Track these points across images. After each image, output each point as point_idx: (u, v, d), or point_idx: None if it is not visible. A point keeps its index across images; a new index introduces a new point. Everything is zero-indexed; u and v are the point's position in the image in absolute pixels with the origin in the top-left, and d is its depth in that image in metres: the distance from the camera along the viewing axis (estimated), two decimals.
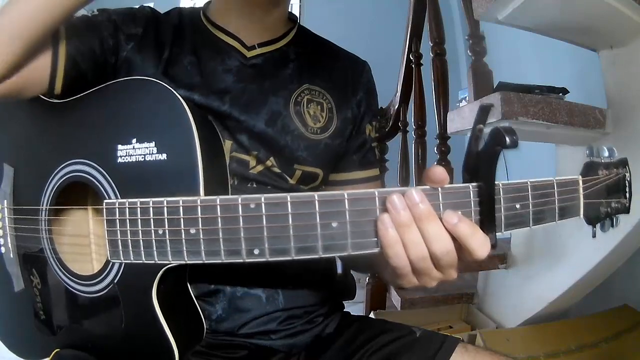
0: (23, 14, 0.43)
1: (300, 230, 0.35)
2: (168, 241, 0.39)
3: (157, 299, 0.42)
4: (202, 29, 0.61)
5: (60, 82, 0.51)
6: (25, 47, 0.44)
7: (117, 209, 0.41)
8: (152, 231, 0.39)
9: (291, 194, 0.36)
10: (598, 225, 0.42)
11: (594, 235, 0.42)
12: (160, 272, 0.41)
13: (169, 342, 0.42)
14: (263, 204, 0.36)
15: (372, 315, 1.48)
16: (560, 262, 1.20)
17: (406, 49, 1.69)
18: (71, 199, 0.51)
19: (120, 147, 0.43)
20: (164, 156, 0.41)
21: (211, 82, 0.57)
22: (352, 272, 0.82)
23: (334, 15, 2.89)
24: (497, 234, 0.36)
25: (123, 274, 0.43)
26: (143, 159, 0.42)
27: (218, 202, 0.36)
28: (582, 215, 0.40)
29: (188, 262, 0.39)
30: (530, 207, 0.37)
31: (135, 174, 0.42)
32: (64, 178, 0.48)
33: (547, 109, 0.97)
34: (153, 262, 0.40)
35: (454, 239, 0.35)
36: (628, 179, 0.41)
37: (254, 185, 0.58)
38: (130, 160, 0.43)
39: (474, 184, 0.36)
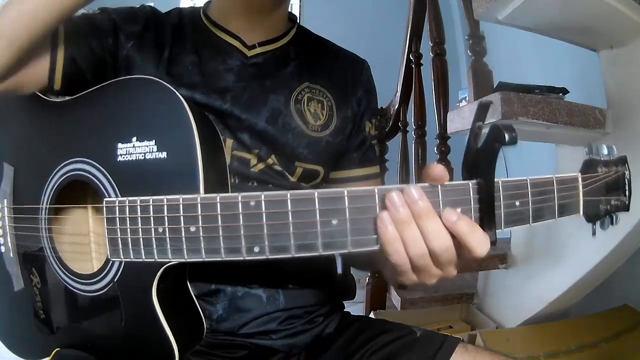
0: (22, 15, 0.43)
1: (300, 228, 0.36)
2: (168, 239, 0.39)
3: (157, 298, 0.42)
4: (203, 29, 0.61)
5: (59, 80, 0.51)
6: (24, 49, 0.44)
7: (117, 207, 0.41)
8: (152, 229, 0.39)
9: (291, 191, 0.36)
10: (598, 223, 0.42)
11: (593, 233, 0.42)
12: (160, 271, 0.41)
13: (169, 341, 0.42)
14: (263, 202, 0.36)
15: (372, 315, 1.48)
16: (560, 262, 1.20)
17: (406, 49, 1.69)
18: (71, 197, 0.51)
19: (120, 145, 0.43)
20: (164, 154, 0.41)
21: (212, 82, 0.57)
22: (352, 272, 0.82)
23: (334, 15, 2.89)
24: (497, 231, 0.36)
25: (123, 273, 0.43)
26: (143, 158, 0.42)
27: (218, 200, 0.36)
28: (581, 213, 0.40)
29: (188, 260, 0.39)
30: (530, 204, 0.37)
31: (135, 173, 0.43)
32: (64, 177, 0.48)
33: (547, 109, 0.97)
34: (153, 260, 0.40)
35: (453, 237, 0.35)
36: (627, 177, 0.41)
37: (255, 184, 0.58)
38: (130, 159, 0.43)
39: (473, 181, 0.36)
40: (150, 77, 0.44)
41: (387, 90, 1.81)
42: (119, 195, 0.43)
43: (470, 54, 1.21)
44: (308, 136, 0.60)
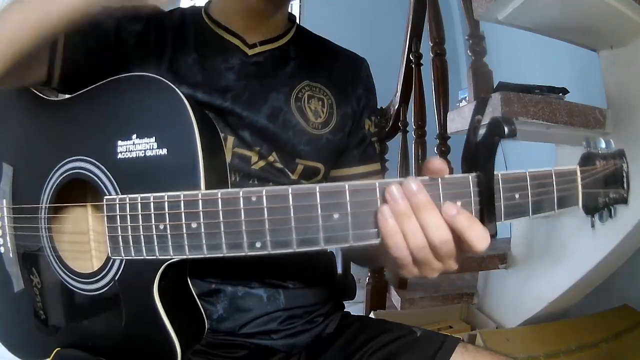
0: (23, 24, 0.43)
1: (301, 222, 0.36)
2: (169, 236, 0.39)
3: (159, 295, 0.42)
4: (204, 28, 0.61)
5: (57, 78, 0.51)
6: (22, 54, 0.44)
7: (117, 205, 0.41)
8: (153, 226, 0.39)
9: (292, 186, 0.36)
10: (596, 216, 0.42)
11: (592, 226, 0.42)
12: (162, 268, 0.41)
13: (171, 338, 0.42)
14: (264, 197, 0.36)
15: (372, 315, 1.48)
16: (560, 262, 1.20)
17: (406, 49, 1.69)
18: (71, 196, 0.51)
19: (120, 142, 0.43)
20: (164, 151, 0.41)
21: (213, 80, 0.58)
22: (352, 272, 0.82)
23: (334, 15, 2.89)
24: (497, 223, 0.36)
25: (124, 271, 0.43)
26: (143, 155, 0.42)
27: (219, 196, 0.37)
28: (580, 205, 0.40)
29: (189, 256, 0.39)
30: (529, 196, 0.37)
31: (135, 170, 0.42)
32: (64, 175, 0.48)
33: (547, 109, 0.97)
34: (154, 257, 0.40)
35: (453, 231, 0.35)
36: (626, 170, 0.42)
37: (255, 182, 0.58)
38: (130, 156, 0.43)
39: (473, 174, 0.36)
40: (150, 75, 0.44)
41: (387, 90, 1.81)
42: (119, 193, 0.43)
43: (470, 54, 1.21)
44: (309, 133, 0.61)
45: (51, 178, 0.49)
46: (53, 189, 0.49)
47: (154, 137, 0.42)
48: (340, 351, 0.59)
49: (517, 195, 0.37)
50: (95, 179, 0.45)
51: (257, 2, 0.59)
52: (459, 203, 0.35)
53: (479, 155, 0.36)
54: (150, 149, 0.42)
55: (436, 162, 0.35)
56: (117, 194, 0.43)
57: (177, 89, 0.42)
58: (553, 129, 1.00)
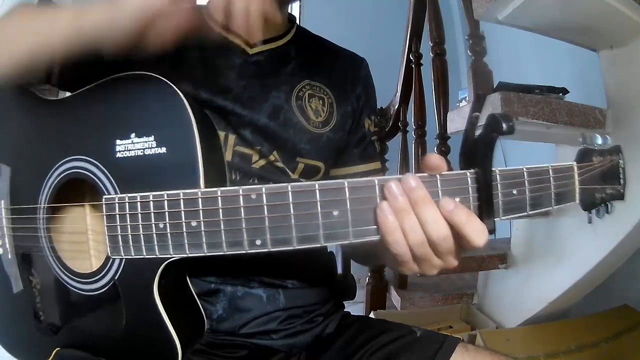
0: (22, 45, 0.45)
1: (301, 220, 0.36)
2: (169, 234, 0.39)
3: (159, 294, 0.41)
4: (206, 27, 0.61)
5: (57, 75, 0.52)
6: (21, 67, 0.46)
7: (116, 204, 0.41)
8: (153, 225, 0.39)
9: (292, 183, 0.36)
10: (594, 212, 0.42)
11: (589, 221, 0.42)
12: (162, 267, 0.41)
13: (172, 337, 0.42)
14: (264, 194, 0.36)
15: (372, 315, 1.48)
16: (560, 262, 1.20)
17: (406, 49, 1.69)
18: (69, 196, 0.50)
19: (119, 142, 0.43)
20: (163, 150, 0.41)
21: (215, 79, 0.58)
22: (352, 272, 0.82)
23: (334, 15, 2.89)
24: (496, 221, 0.37)
25: (123, 271, 0.43)
26: (142, 153, 0.42)
27: (219, 194, 0.37)
28: (577, 201, 0.41)
29: (190, 255, 0.39)
30: (527, 192, 0.37)
31: (134, 169, 0.42)
32: (62, 175, 0.48)
33: (547, 109, 0.97)
34: (154, 256, 0.40)
35: (452, 226, 0.35)
36: (622, 166, 0.42)
37: (256, 181, 0.58)
38: (129, 155, 0.42)
39: (471, 170, 0.36)
40: (149, 74, 0.44)
41: (387, 90, 1.81)
42: (118, 192, 0.43)
43: (470, 54, 1.21)
44: (309, 132, 0.61)
45: (50, 178, 0.49)
46: (52, 189, 0.49)
47: (153, 136, 0.42)
48: (340, 351, 0.59)
49: (514, 191, 0.37)
50: (94, 178, 0.45)
51: None
52: (457, 199, 0.36)
53: (477, 152, 0.36)
54: (149, 148, 0.42)
55: (434, 158, 0.36)
56: (116, 193, 0.43)
57: (176, 88, 0.42)
58: (553, 129, 1.00)
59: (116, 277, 0.44)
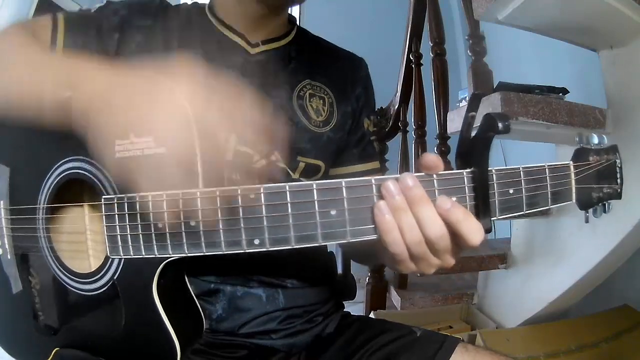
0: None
1: (299, 219, 0.36)
2: (168, 234, 0.39)
3: (158, 294, 0.41)
4: (208, 25, 0.62)
5: None
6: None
7: (115, 204, 0.41)
8: (152, 225, 0.39)
9: (290, 183, 0.36)
10: (591, 211, 0.42)
11: (586, 221, 0.42)
12: (160, 267, 0.41)
13: (171, 337, 0.42)
14: (262, 194, 0.36)
15: (372, 315, 1.48)
16: (560, 262, 1.20)
17: (406, 49, 1.69)
18: (68, 197, 0.50)
19: (118, 142, 0.43)
20: (162, 150, 0.41)
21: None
22: (352, 272, 0.82)
23: (334, 15, 2.89)
24: (495, 221, 0.37)
25: (122, 270, 0.43)
26: (141, 153, 0.42)
27: (218, 194, 0.37)
28: (574, 200, 0.41)
29: (189, 254, 0.39)
30: (524, 192, 0.38)
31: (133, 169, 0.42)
32: (61, 176, 0.48)
33: (547, 109, 0.97)
34: (153, 256, 0.40)
35: (448, 225, 0.35)
36: (619, 165, 0.42)
37: (257, 181, 0.58)
38: (128, 155, 0.42)
39: (468, 170, 0.36)
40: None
41: (387, 90, 1.81)
42: (117, 192, 0.43)
43: (470, 54, 1.21)
44: (310, 131, 0.61)
45: (49, 178, 0.49)
46: (51, 189, 0.49)
47: (152, 137, 0.41)
48: (340, 351, 0.59)
49: (511, 191, 0.37)
50: (93, 178, 0.45)
51: (256, 8, 0.60)
52: (454, 199, 0.36)
53: (473, 151, 0.36)
54: (148, 148, 0.42)
55: (430, 157, 0.36)
56: (115, 193, 0.43)
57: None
58: (553, 129, 1.00)
59: (115, 277, 0.44)
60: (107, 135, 0.36)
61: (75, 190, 0.50)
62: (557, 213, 1.22)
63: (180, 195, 0.38)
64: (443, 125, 1.32)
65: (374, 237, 0.36)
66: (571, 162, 0.41)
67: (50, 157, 0.49)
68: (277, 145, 0.59)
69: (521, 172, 0.37)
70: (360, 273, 1.38)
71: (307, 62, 0.65)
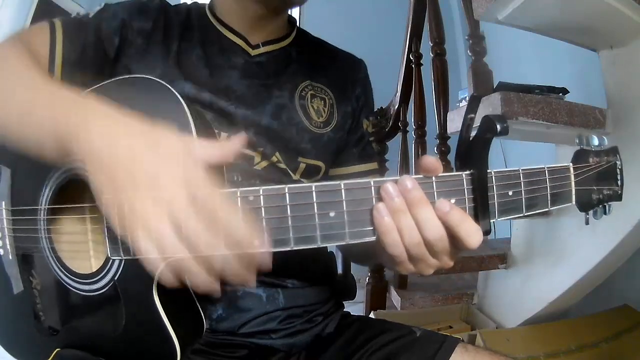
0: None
1: (298, 221, 0.36)
2: None
3: (158, 295, 0.41)
4: (208, 25, 0.62)
5: (57, 78, 0.52)
6: None
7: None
8: None
9: (289, 185, 0.36)
10: (591, 213, 0.42)
11: (587, 223, 0.42)
12: (161, 267, 0.41)
13: (171, 338, 0.42)
14: (261, 196, 0.36)
15: (372, 315, 1.48)
16: (560, 262, 1.20)
17: (406, 49, 1.69)
18: (70, 197, 0.50)
19: None
20: None
21: (217, 78, 0.58)
22: (352, 272, 0.82)
23: (334, 15, 2.89)
24: (495, 222, 0.37)
25: (123, 271, 0.43)
26: None
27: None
28: (574, 202, 0.41)
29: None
30: (523, 193, 0.38)
31: None
32: (63, 177, 0.48)
33: (547, 109, 0.97)
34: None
35: (446, 227, 0.36)
36: (619, 167, 0.42)
37: (257, 182, 0.58)
38: None
39: (467, 172, 0.36)
40: (148, 77, 0.44)
41: (387, 90, 1.81)
42: None
43: (470, 54, 1.21)
44: (311, 132, 0.61)
45: (50, 179, 0.49)
46: (52, 190, 0.49)
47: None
48: (340, 351, 0.59)
49: (510, 193, 0.37)
50: None
51: (255, 8, 0.60)
52: (452, 201, 0.36)
53: (472, 153, 0.36)
54: None
55: (430, 160, 0.36)
56: None
57: (175, 91, 0.42)
58: (553, 129, 1.00)
59: (116, 278, 0.44)
60: (108, 194, 0.34)
61: (77, 191, 0.50)
62: (557, 213, 1.22)
63: None
64: (443, 125, 1.32)
65: (373, 238, 0.37)
66: (571, 164, 0.41)
67: None
68: (278, 146, 0.59)
69: (521, 174, 0.38)
70: (360, 273, 1.38)
71: (308, 63, 0.65)
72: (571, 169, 0.40)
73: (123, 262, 0.43)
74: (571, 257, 1.16)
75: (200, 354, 0.55)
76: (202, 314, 0.49)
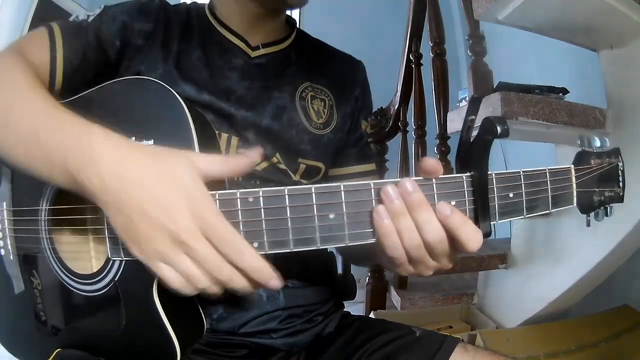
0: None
1: (298, 223, 0.36)
2: None
3: (158, 296, 0.42)
4: (208, 26, 0.62)
5: (59, 83, 0.52)
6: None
7: None
8: None
9: (289, 187, 0.36)
10: (592, 214, 0.42)
11: (588, 225, 0.42)
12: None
13: (171, 338, 0.42)
14: (261, 198, 0.36)
15: (372, 315, 1.48)
16: (560, 262, 1.20)
17: (406, 49, 1.69)
18: (71, 198, 0.51)
19: None
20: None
21: (218, 80, 0.58)
22: (352, 272, 0.83)
23: (334, 15, 2.89)
24: (494, 223, 0.37)
25: (123, 272, 0.43)
26: None
27: (217, 197, 0.37)
28: (575, 204, 0.41)
29: None
30: (524, 195, 0.38)
31: None
32: None
33: (547, 109, 0.97)
34: None
35: (447, 230, 0.36)
36: (621, 169, 0.42)
37: (258, 183, 0.58)
38: None
39: (467, 173, 0.36)
40: (148, 78, 0.44)
41: (387, 90, 1.81)
42: None
43: (470, 54, 1.21)
44: (310, 133, 0.61)
45: None
46: (53, 190, 0.49)
47: (153, 140, 0.42)
48: (339, 350, 0.59)
49: (511, 195, 0.37)
50: None
51: (253, 8, 0.60)
52: (453, 203, 0.36)
53: (472, 155, 0.36)
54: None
55: (430, 162, 0.36)
56: None
57: (175, 93, 0.42)
58: (553, 129, 1.01)
59: (116, 279, 0.44)
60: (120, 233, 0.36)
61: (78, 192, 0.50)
62: (558, 213, 1.21)
63: None
64: (443, 125, 1.32)
65: (372, 240, 0.37)
66: (572, 166, 0.40)
67: None
68: (279, 147, 0.59)
69: (521, 175, 0.37)
70: (360, 273, 1.38)
71: (307, 65, 0.65)
72: (572, 171, 0.40)
73: (123, 262, 0.43)
74: (571, 257, 1.16)
75: (201, 353, 0.56)
76: (203, 314, 0.49)
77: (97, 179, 0.35)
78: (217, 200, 0.37)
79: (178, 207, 0.34)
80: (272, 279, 0.35)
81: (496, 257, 1.37)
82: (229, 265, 0.35)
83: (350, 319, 0.67)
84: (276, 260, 0.36)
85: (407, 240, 0.36)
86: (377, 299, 1.59)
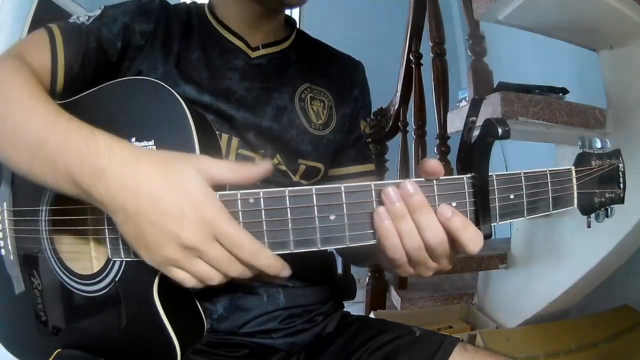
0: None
1: (299, 224, 0.36)
2: None
3: (159, 296, 0.42)
4: (208, 26, 0.62)
5: (60, 85, 0.52)
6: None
7: None
8: None
9: (289, 188, 0.36)
10: (593, 216, 0.42)
11: (588, 226, 0.42)
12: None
13: (171, 338, 0.42)
14: (262, 199, 0.36)
15: (372, 315, 1.48)
16: (560, 262, 1.20)
17: (406, 49, 1.69)
18: (71, 198, 0.51)
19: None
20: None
21: (218, 80, 0.58)
22: (352, 272, 0.83)
23: (334, 15, 2.89)
24: (494, 225, 0.37)
25: (124, 272, 0.44)
26: None
27: (217, 198, 0.37)
28: (576, 205, 0.41)
29: None
30: (524, 197, 0.38)
31: None
32: None
33: (547, 109, 0.97)
34: None
35: (447, 232, 0.36)
36: (622, 170, 0.42)
37: (257, 184, 0.58)
38: None
39: (468, 175, 0.36)
40: (149, 78, 0.44)
41: (387, 90, 1.81)
42: None
43: (470, 54, 1.21)
44: (310, 134, 0.62)
45: None
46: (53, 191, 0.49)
47: (153, 141, 0.42)
48: (339, 350, 0.59)
49: (511, 196, 0.37)
50: None
51: (254, 7, 0.60)
52: (453, 204, 0.36)
53: (473, 156, 0.36)
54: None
55: (431, 164, 0.36)
56: None
57: (175, 93, 0.42)
58: (553, 129, 1.01)
59: (117, 279, 0.44)
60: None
61: None
62: (558, 214, 1.22)
63: None
64: (443, 125, 1.32)
65: (373, 242, 0.37)
66: (573, 167, 0.40)
67: None
68: (279, 148, 0.59)
69: (522, 177, 0.37)
70: (360, 273, 1.38)
71: (307, 66, 0.65)
72: (573, 172, 0.40)
73: (124, 263, 0.43)
74: (571, 257, 1.16)
75: (201, 353, 0.56)
76: (203, 315, 0.49)
77: (103, 189, 0.35)
78: None
79: (188, 217, 0.34)
80: (284, 269, 0.37)
81: (496, 257, 1.37)
82: (241, 263, 0.36)
83: (350, 319, 0.67)
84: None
85: (407, 242, 0.36)
86: (377, 299, 1.59)
